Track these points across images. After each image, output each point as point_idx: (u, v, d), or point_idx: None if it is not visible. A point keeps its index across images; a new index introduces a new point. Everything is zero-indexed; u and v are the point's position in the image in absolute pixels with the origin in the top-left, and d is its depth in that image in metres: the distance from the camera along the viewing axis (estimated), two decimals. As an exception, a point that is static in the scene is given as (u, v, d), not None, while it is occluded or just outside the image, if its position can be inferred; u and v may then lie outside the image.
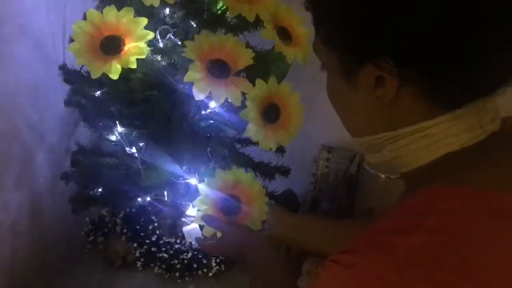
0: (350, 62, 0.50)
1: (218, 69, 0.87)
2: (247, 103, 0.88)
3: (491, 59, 0.45)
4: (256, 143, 1.04)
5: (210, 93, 0.85)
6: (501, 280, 0.41)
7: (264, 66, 0.98)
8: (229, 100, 0.86)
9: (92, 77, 0.82)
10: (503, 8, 0.43)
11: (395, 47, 0.46)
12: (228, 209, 0.92)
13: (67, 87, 1.05)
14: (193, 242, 1.12)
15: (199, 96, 0.85)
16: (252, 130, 0.89)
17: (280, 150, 1.05)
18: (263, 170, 1.07)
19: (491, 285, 0.41)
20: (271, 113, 0.93)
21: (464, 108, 0.48)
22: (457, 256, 0.41)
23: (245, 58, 0.89)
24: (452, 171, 0.49)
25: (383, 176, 1.19)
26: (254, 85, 0.89)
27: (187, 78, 0.84)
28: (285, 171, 1.10)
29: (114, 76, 0.83)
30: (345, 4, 0.48)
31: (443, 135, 0.49)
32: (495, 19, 0.44)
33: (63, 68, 0.99)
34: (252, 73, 0.94)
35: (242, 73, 0.95)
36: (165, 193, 1.09)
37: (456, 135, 0.48)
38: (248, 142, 1.08)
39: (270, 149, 0.96)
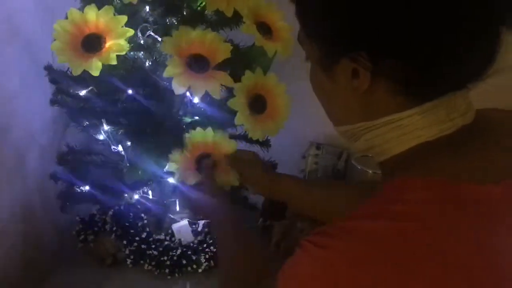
0: (328, 55, 0.52)
1: (197, 63, 0.89)
2: (235, 92, 0.89)
3: (461, 55, 0.47)
4: (241, 138, 1.06)
5: (190, 87, 0.87)
6: (460, 266, 0.43)
7: (246, 61, 0.99)
8: (209, 94, 0.87)
9: (73, 74, 0.84)
10: (474, 5, 0.45)
11: (368, 43, 0.48)
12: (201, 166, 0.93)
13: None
14: (182, 239, 1.13)
15: (178, 90, 0.86)
16: (241, 118, 0.90)
17: (266, 144, 1.06)
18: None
19: (450, 270, 0.43)
20: (258, 104, 0.95)
21: (434, 101, 0.50)
22: (421, 242, 0.43)
23: (224, 52, 0.91)
24: (422, 162, 0.51)
25: (370, 171, 1.20)
26: (237, 81, 0.91)
27: (166, 73, 0.86)
28: (272, 166, 1.11)
29: (95, 72, 0.84)
30: (322, 3, 0.51)
31: (413, 126, 0.51)
32: (466, 15, 0.46)
33: (49, 68, 1.01)
34: (235, 69, 0.96)
35: (227, 70, 0.97)
36: (152, 190, 1.10)
37: (426, 128, 0.51)
38: (233, 137, 1.09)
39: (258, 140, 0.97)
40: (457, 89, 0.50)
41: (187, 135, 0.93)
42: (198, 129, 0.94)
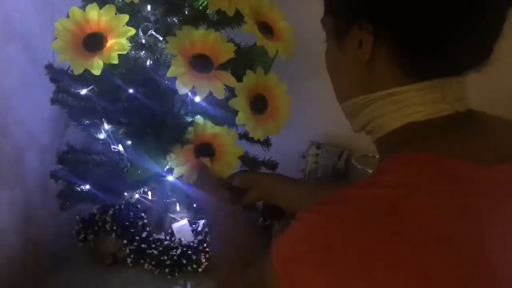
0: (340, 26, 0.58)
1: (201, 63, 0.89)
2: (236, 92, 0.89)
3: (460, 38, 0.50)
4: (242, 137, 1.06)
5: (193, 87, 0.87)
6: (443, 234, 0.45)
7: (247, 61, 0.99)
8: (213, 94, 0.87)
9: (75, 73, 0.84)
10: None
11: (374, 10, 0.53)
12: (201, 152, 0.95)
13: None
14: (182, 239, 1.13)
15: (182, 90, 0.86)
16: (243, 118, 0.90)
17: (266, 143, 1.06)
18: (250, 163, 1.08)
19: (432, 236, 0.45)
20: (259, 104, 0.95)
21: (432, 81, 0.53)
22: (407, 208, 0.46)
23: (227, 52, 0.91)
24: (415, 141, 0.53)
25: (370, 171, 1.20)
26: (238, 80, 0.91)
27: (170, 73, 0.86)
28: (272, 165, 1.11)
29: (96, 71, 0.84)
30: None
31: (409, 102, 0.54)
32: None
33: (49, 67, 1.00)
34: (236, 68, 0.96)
35: (228, 69, 0.97)
36: (153, 190, 1.10)
37: (421, 105, 0.53)
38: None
39: (258, 140, 0.97)
40: (454, 73, 0.53)
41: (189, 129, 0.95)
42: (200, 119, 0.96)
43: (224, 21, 0.97)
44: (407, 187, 0.47)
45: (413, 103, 0.53)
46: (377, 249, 0.44)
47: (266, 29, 0.97)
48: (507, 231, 0.49)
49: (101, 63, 0.84)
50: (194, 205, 1.12)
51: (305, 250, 0.47)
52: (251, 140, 1.03)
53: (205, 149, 0.95)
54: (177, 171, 0.95)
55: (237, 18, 0.95)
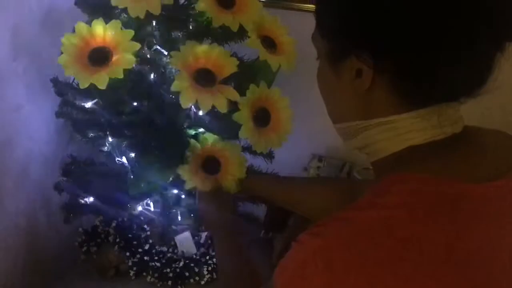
0: (337, 51, 0.56)
1: (204, 78, 0.90)
2: (240, 106, 0.90)
3: (457, 67, 0.51)
4: (245, 150, 1.07)
5: (197, 101, 0.87)
6: (436, 254, 0.46)
7: (250, 75, 1.00)
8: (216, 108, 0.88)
9: (80, 87, 0.85)
10: (475, 21, 0.49)
11: (373, 42, 0.52)
12: (208, 168, 0.95)
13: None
14: (185, 251, 1.13)
15: (186, 104, 0.87)
16: (246, 131, 0.91)
17: (269, 155, 1.07)
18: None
19: (431, 256, 0.46)
20: (262, 117, 0.96)
21: (428, 108, 0.53)
22: (405, 230, 0.47)
23: (230, 67, 0.92)
24: (412, 162, 0.54)
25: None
26: (241, 93, 0.92)
27: (174, 87, 0.87)
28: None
29: (102, 86, 0.85)
30: (335, 1, 0.56)
31: (406, 129, 0.54)
32: (465, 32, 0.49)
33: (55, 80, 1.02)
34: (239, 82, 0.97)
35: (231, 83, 0.98)
36: (155, 202, 1.10)
37: (418, 131, 0.54)
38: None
39: (261, 153, 0.98)
40: (450, 100, 0.54)
41: (193, 141, 0.95)
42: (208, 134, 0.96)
43: (228, 35, 0.98)
44: (405, 208, 0.48)
45: (410, 130, 0.54)
46: (378, 271, 0.45)
47: (269, 43, 0.98)
48: (506, 248, 0.49)
49: (106, 77, 0.85)
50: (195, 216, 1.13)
51: (308, 273, 0.48)
52: (254, 152, 1.04)
53: (211, 163, 0.96)
54: (188, 184, 0.95)
55: (241, 32, 0.96)
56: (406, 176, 0.51)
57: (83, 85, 0.85)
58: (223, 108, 0.88)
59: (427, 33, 0.49)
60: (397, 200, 0.49)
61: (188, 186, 0.94)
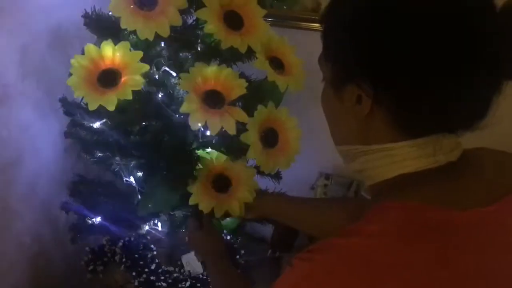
0: (339, 78, 0.58)
1: (213, 99, 0.90)
2: (248, 127, 0.90)
3: (456, 102, 0.52)
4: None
5: (205, 123, 0.87)
6: (422, 280, 0.47)
7: (258, 95, 1.00)
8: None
9: (90, 109, 0.85)
10: (473, 59, 0.49)
11: (373, 74, 0.53)
12: (219, 186, 0.95)
13: (68, 119, 1.08)
14: (191, 271, 1.12)
15: (195, 126, 0.87)
16: (253, 153, 0.91)
17: (277, 176, 1.07)
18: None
19: (412, 284, 0.47)
20: (270, 138, 0.96)
21: (425, 138, 0.55)
22: (387, 257, 0.48)
23: (239, 88, 0.92)
24: (403, 189, 0.55)
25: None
26: (248, 113, 0.92)
27: (183, 109, 0.87)
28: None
29: (111, 107, 0.85)
30: (340, 29, 0.57)
31: (402, 157, 0.56)
32: (463, 70, 0.50)
33: (63, 100, 1.02)
34: (247, 102, 0.97)
35: (238, 103, 0.98)
36: (163, 222, 1.10)
37: (413, 160, 0.55)
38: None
39: (269, 174, 0.98)
40: (447, 132, 0.55)
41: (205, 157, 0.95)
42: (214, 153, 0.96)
43: (236, 56, 0.98)
44: (389, 236, 0.49)
45: (406, 158, 0.55)
46: None
47: (277, 63, 0.98)
48: (491, 274, 0.50)
49: (115, 99, 0.85)
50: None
51: None
52: (262, 173, 1.03)
53: (222, 182, 0.96)
54: (193, 199, 0.94)
55: (249, 52, 0.96)
56: (394, 204, 0.53)
57: (93, 106, 0.85)
58: (232, 130, 0.88)
59: (428, 70, 0.50)
60: (382, 228, 0.50)
61: (191, 201, 0.94)
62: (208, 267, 0.95)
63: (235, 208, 0.94)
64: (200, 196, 0.93)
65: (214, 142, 1.01)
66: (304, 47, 1.06)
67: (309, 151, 1.14)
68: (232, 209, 0.94)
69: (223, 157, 0.97)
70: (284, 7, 1.37)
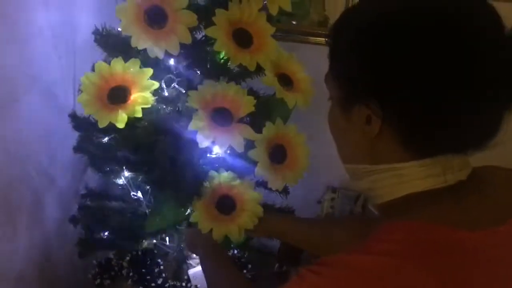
0: (347, 97, 0.58)
1: (221, 116, 0.91)
2: (256, 144, 0.91)
3: (465, 122, 0.52)
4: (260, 185, 1.07)
5: (214, 140, 0.88)
6: None
7: (266, 111, 1.00)
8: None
9: (99, 126, 0.85)
10: (481, 83, 0.49)
11: (382, 94, 0.53)
12: (222, 207, 0.95)
13: (76, 133, 1.08)
14: (198, 285, 1.12)
15: (203, 143, 0.88)
16: (261, 170, 0.91)
17: (285, 191, 1.07)
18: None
19: None
20: (278, 154, 0.96)
21: (433, 158, 0.54)
22: (396, 276, 0.48)
23: (247, 106, 0.92)
24: (411, 209, 0.55)
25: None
26: (256, 129, 0.92)
27: (191, 126, 0.88)
28: (288, 212, 1.11)
29: (120, 125, 0.86)
30: (347, 50, 0.57)
31: (410, 177, 0.55)
32: (472, 92, 0.50)
33: (73, 116, 1.02)
34: (255, 118, 0.97)
35: (246, 118, 0.98)
36: (170, 236, 1.10)
37: (422, 179, 0.55)
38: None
39: (277, 190, 0.98)
40: (455, 152, 0.55)
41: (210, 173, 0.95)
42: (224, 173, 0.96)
43: (245, 73, 0.99)
44: (398, 256, 0.49)
45: (415, 178, 0.55)
46: None
47: (285, 80, 0.99)
48: None
49: (125, 116, 0.86)
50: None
51: None
52: (270, 189, 1.03)
53: (226, 204, 0.95)
54: (194, 217, 0.94)
55: (257, 69, 0.97)
56: (403, 223, 0.53)
57: (103, 124, 0.86)
58: (240, 147, 0.89)
59: (438, 91, 0.50)
60: (391, 248, 0.50)
61: (192, 219, 0.93)
62: (203, 263, 0.94)
63: (235, 233, 0.93)
64: (201, 215, 0.93)
65: (222, 159, 1.01)
66: (312, 61, 1.06)
67: (316, 165, 1.14)
68: (231, 234, 0.93)
69: (232, 177, 0.97)
70: (293, 22, 1.38)
